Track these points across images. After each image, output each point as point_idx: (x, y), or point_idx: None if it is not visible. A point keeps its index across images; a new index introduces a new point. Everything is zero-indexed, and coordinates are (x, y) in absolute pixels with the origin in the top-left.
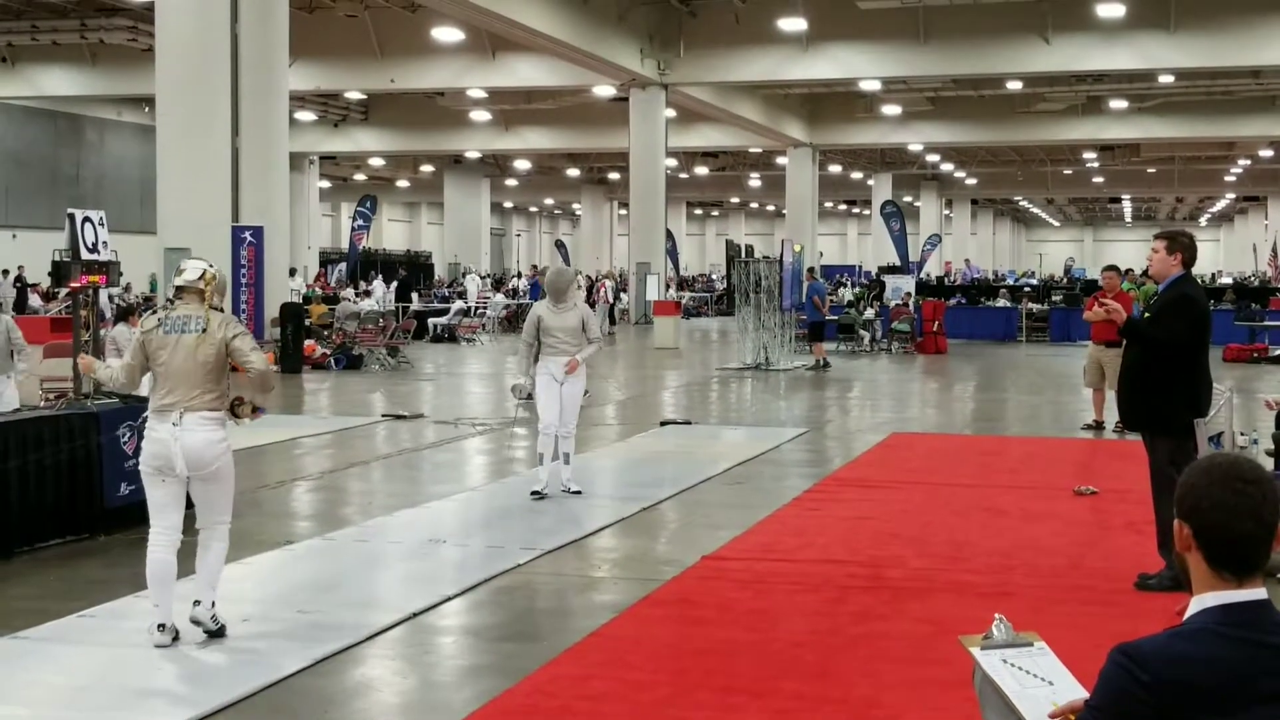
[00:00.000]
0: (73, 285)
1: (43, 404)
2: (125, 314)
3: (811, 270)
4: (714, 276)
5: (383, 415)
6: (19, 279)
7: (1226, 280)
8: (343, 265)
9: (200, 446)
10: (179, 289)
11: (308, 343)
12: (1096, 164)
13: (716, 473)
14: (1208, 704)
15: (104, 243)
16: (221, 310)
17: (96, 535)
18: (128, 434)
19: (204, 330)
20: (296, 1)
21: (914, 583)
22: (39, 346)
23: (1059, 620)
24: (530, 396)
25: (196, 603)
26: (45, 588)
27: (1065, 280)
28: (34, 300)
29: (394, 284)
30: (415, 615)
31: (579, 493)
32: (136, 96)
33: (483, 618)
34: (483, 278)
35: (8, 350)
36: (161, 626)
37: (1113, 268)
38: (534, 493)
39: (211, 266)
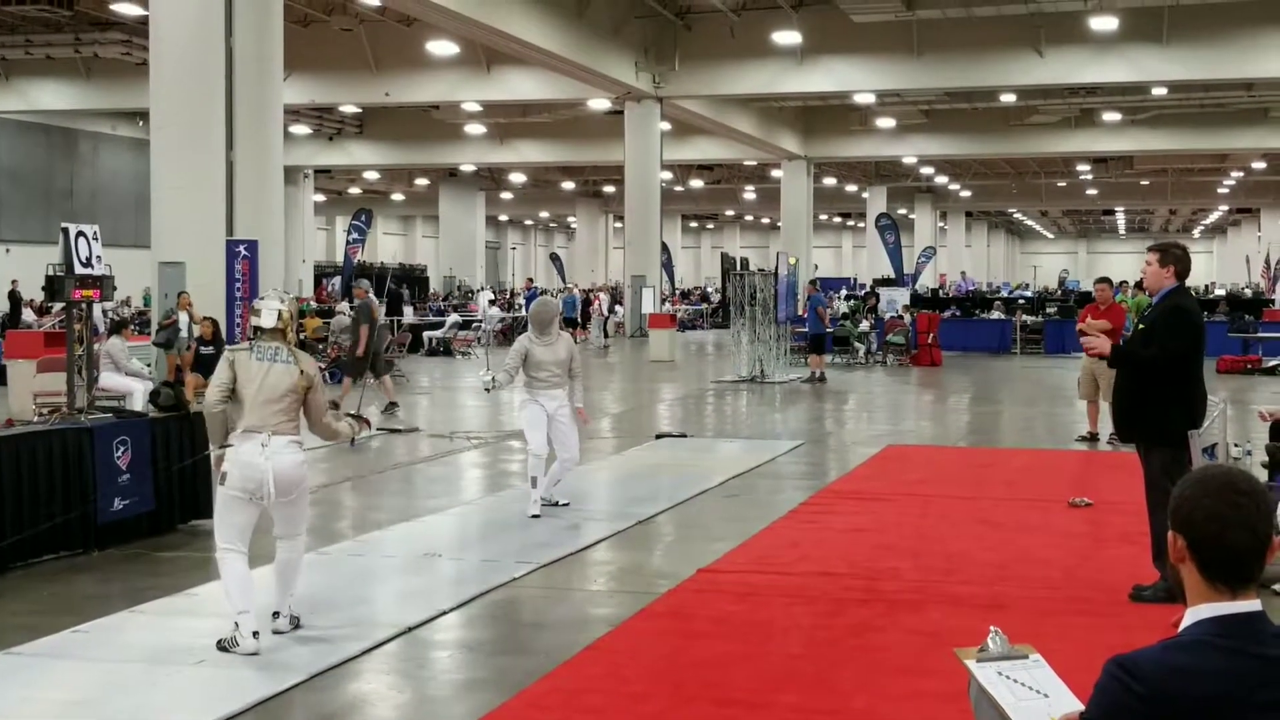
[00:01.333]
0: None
1: (36, 418)
2: (119, 327)
3: (814, 282)
4: (709, 289)
5: (377, 429)
6: (12, 293)
7: (1220, 292)
8: (338, 279)
9: (289, 469)
10: (258, 329)
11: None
12: (1090, 176)
13: (712, 486)
14: (1203, 716)
15: (98, 257)
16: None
17: (90, 551)
18: (121, 449)
19: (293, 363)
20: (291, 15)
21: (909, 595)
22: (32, 361)
23: (1053, 632)
24: (499, 387)
25: (276, 615)
26: (39, 603)
27: (1059, 292)
28: (27, 315)
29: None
30: (411, 629)
31: (566, 504)
32: (130, 110)
33: (478, 631)
34: (496, 293)
35: None
36: (256, 634)
37: (1105, 280)
38: (533, 515)
39: (283, 303)
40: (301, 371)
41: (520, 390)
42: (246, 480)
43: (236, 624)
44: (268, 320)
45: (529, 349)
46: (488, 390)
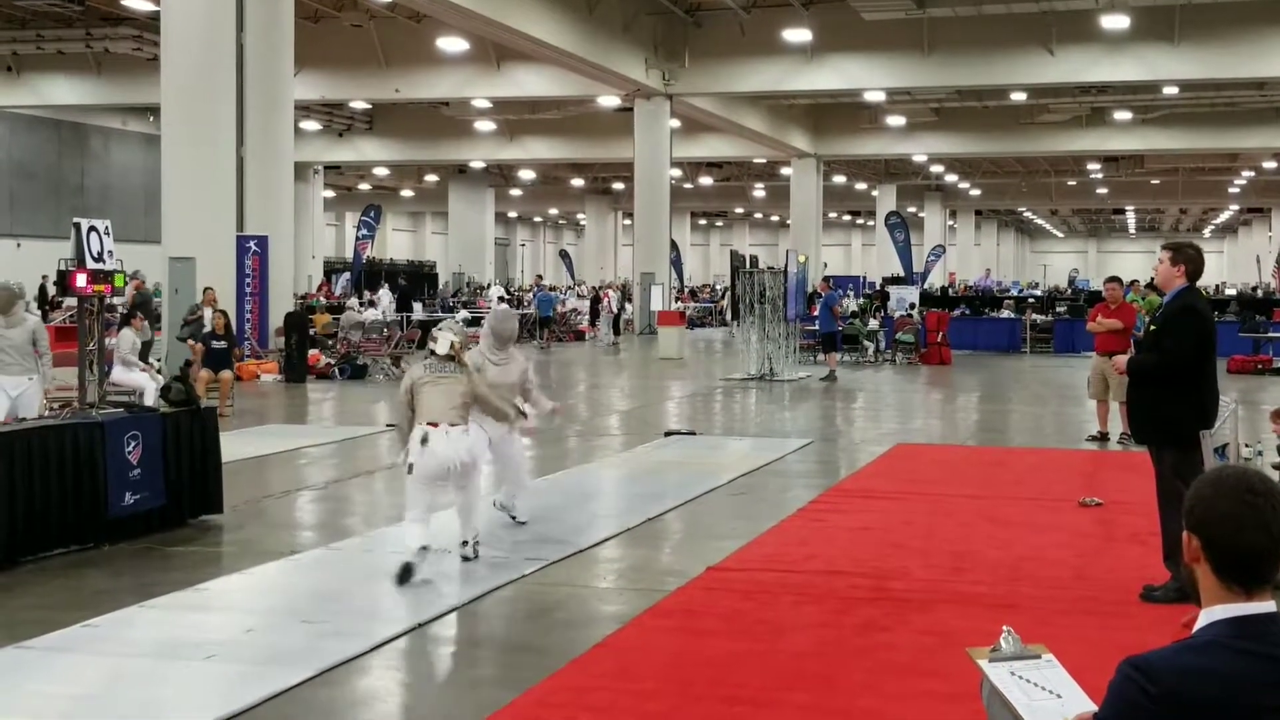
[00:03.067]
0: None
1: (47, 413)
2: (127, 319)
3: (827, 280)
4: (718, 287)
5: (387, 425)
6: (43, 288)
7: (1231, 292)
8: (347, 275)
9: (465, 452)
10: (437, 355)
11: (312, 352)
12: (1100, 175)
13: (721, 483)
14: (1217, 717)
15: (109, 252)
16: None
17: (101, 545)
18: (132, 444)
19: (458, 381)
20: (302, 11)
21: (918, 594)
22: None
23: (1064, 632)
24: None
25: (464, 543)
26: (49, 597)
27: (1069, 291)
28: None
29: (395, 294)
30: (420, 626)
31: (524, 523)
32: (141, 106)
33: (487, 628)
34: (509, 290)
35: (31, 351)
36: (424, 549)
37: (1115, 279)
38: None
39: (455, 335)
40: (464, 389)
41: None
42: (431, 467)
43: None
44: (442, 347)
45: (480, 366)
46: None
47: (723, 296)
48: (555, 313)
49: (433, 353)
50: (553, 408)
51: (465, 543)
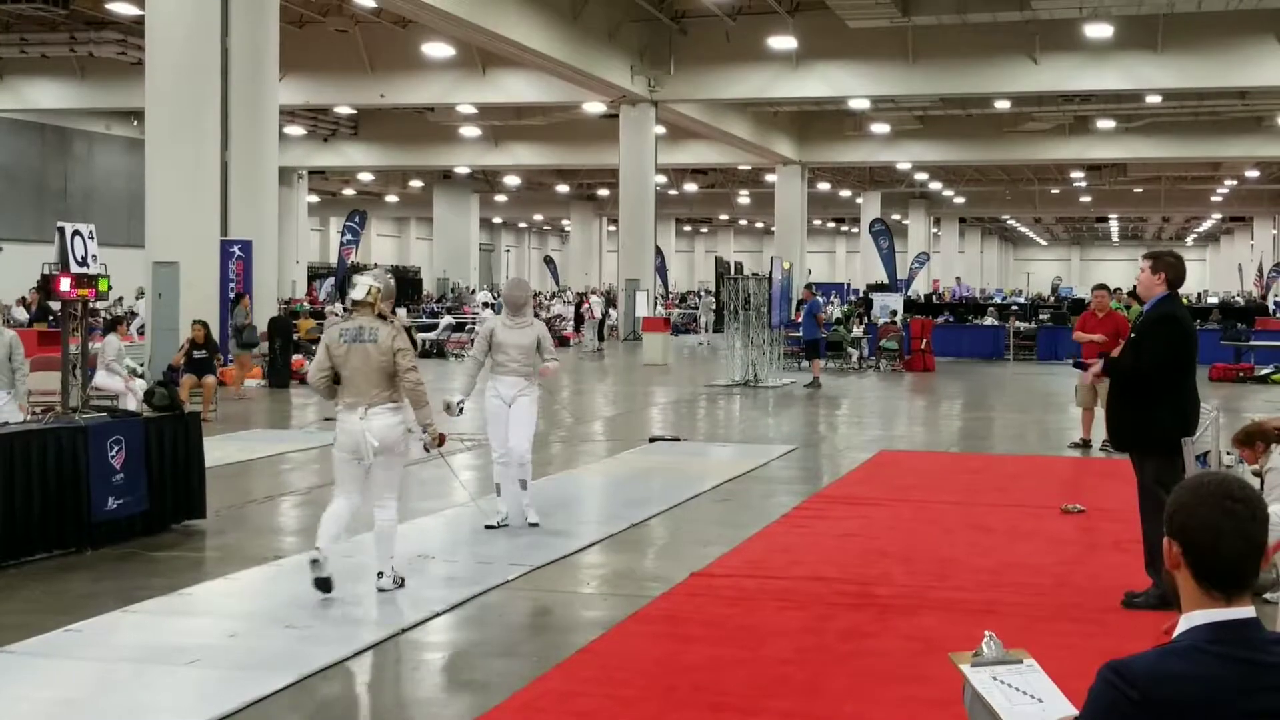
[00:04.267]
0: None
1: (29, 418)
2: (113, 325)
3: (810, 287)
4: (703, 293)
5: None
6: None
7: (1213, 300)
8: (331, 280)
9: (385, 431)
10: (355, 302)
11: (296, 357)
12: (1084, 183)
13: (705, 489)
14: None
15: (93, 256)
16: (389, 317)
17: (83, 550)
18: (115, 448)
19: (376, 340)
20: (287, 16)
21: (902, 600)
22: (26, 360)
23: (1046, 638)
24: (462, 412)
25: (380, 575)
26: (32, 602)
27: (1052, 299)
28: (19, 313)
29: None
30: (403, 631)
31: (536, 525)
32: (125, 110)
33: (470, 634)
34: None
35: (9, 365)
36: (316, 561)
37: (1103, 286)
38: (488, 525)
39: (377, 281)
40: (378, 343)
41: (487, 377)
42: (348, 445)
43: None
44: (360, 292)
45: (495, 330)
46: (451, 414)
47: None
48: None
49: (353, 303)
50: (544, 369)
51: (381, 574)
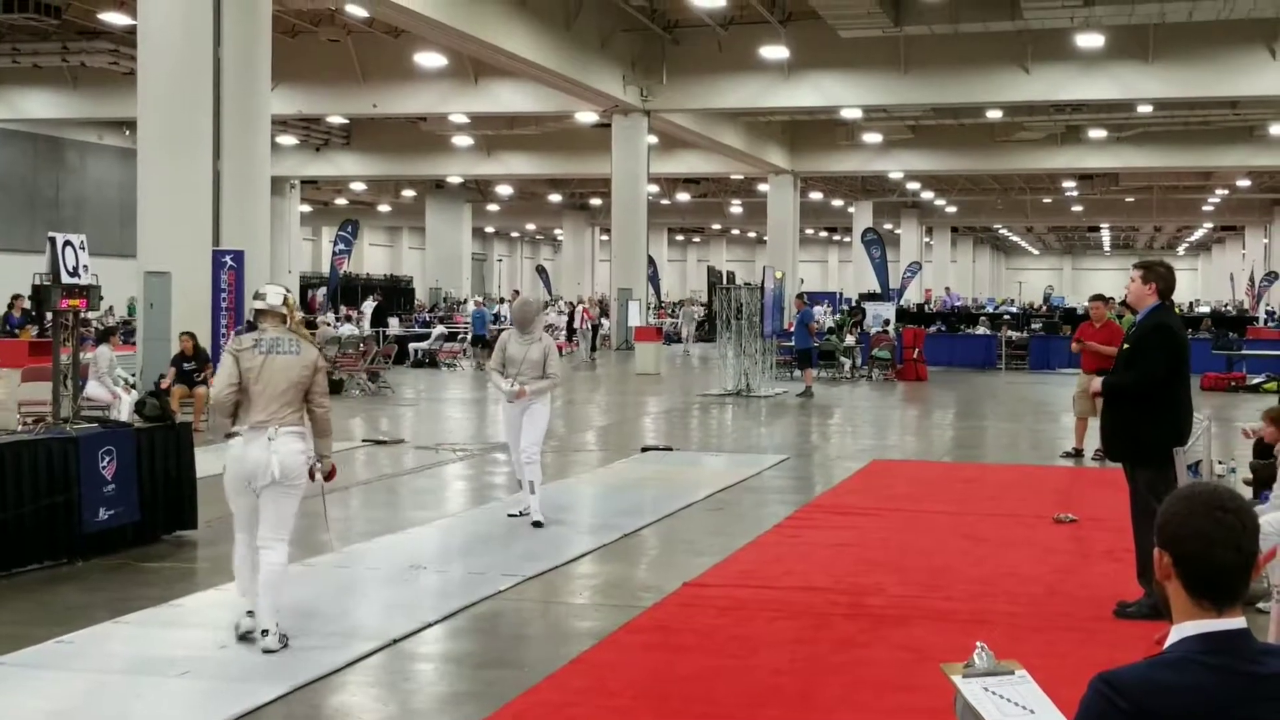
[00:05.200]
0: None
1: (21, 428)
2: (105, 336)
3: (801, 297)
4: (683, 302)
5: (363, 440)
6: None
7: (1204, 309)
8: (323, 290)
9: (290, 456)
10: (260, 312)
11: None
12: (1075, 193)
13: (697, 499)
14: None
15: (84, 266)
16: (307, 337)
17: (75, 561)
18: (106, 459)
19: (298, 353)
20: (279, 26)
21: (894, 610)
22: (16, 370)
23: (1038, 648)
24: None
25: (265, 633)
26: (23, 613)
27: (1044, 308)
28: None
29: (370, 308)
30: (395, 642)
31: (539, 524)
32: (117, 120)
33: (463, 644)
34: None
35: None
36: (251, 613)
37: (1099, 297)
38: (510, 514)
39: (289, 291)
40: (300, 355)
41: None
42: (244, 472)
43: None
44: (274, 298)
45: (507, 345)
46: (510, 400)
47: (674, 313)
48: (489, 331)
49: (258, 314)
50: (522, 390)
51: (266, 632)
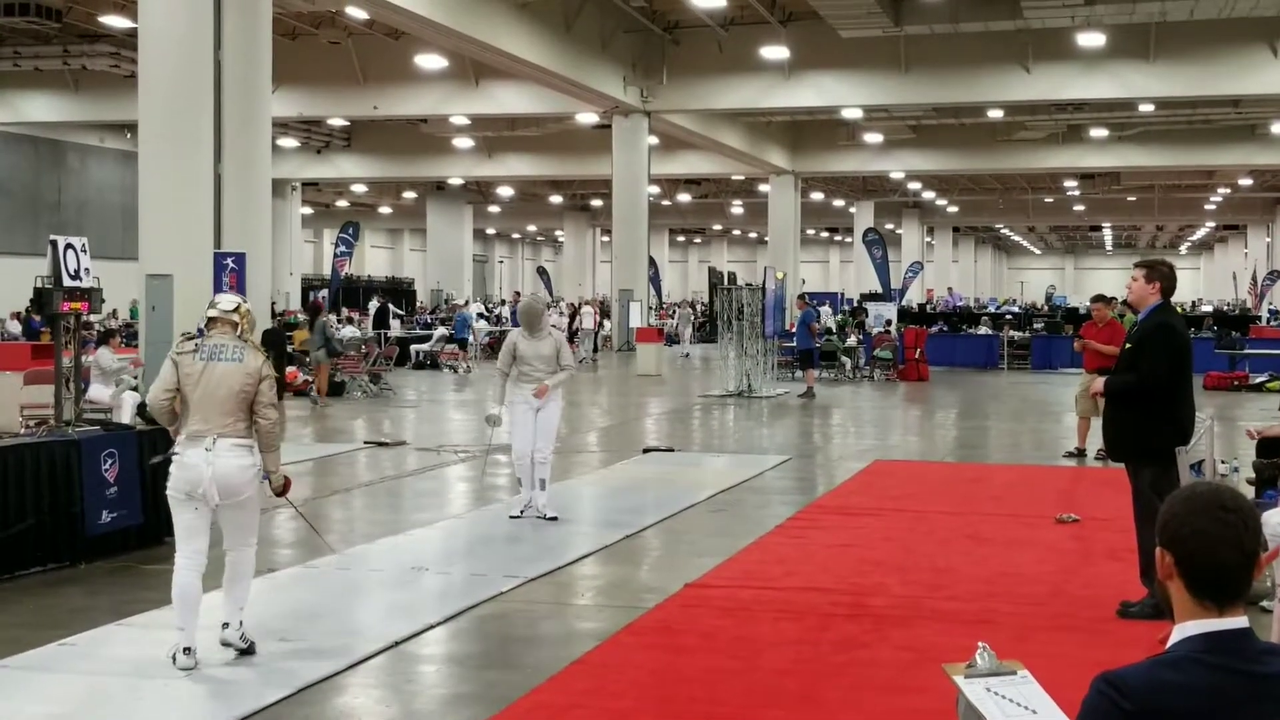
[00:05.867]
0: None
1: (23, 431)
2: (106, 338)
3: (803, 297)
4: (682, 303)
5: (365, 442)
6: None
7: (1207, 308)
8: (324, 292)
9: (233, 473)
10: (211, 319)
11: (290, 369)
12: (1077, 192)
13: (699, 500)
14: None
15: (86, 269)
16: (255, 345)
17: (77, 563)
18: (109, 461)
19: (241, 360)
20: (280, 28)
21: (897, 610)
22: (19, 373)
23: (1041, 648)
24: (500, 424)
25: (225, 625)
26: (25, 616)
27: (1046, 308)
28: (14, 326)
29: (372, 310)
30: (397, 643)
31: (555, 518)
32: (119, 123)
33: (465, 646)
34: (488, 308)
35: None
36: (187, 650)
37: (1100, 298)
38: (512, 515)
39: (246, 303)
40: (244, 363)
41: (511, 386)
42: (186, 482)
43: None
44: (226, 305)
45: (516, 343)
46: (492, 427)
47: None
48: (472, 333)
49: (210, 321)
50: (541, 386)
51: (226, 625)
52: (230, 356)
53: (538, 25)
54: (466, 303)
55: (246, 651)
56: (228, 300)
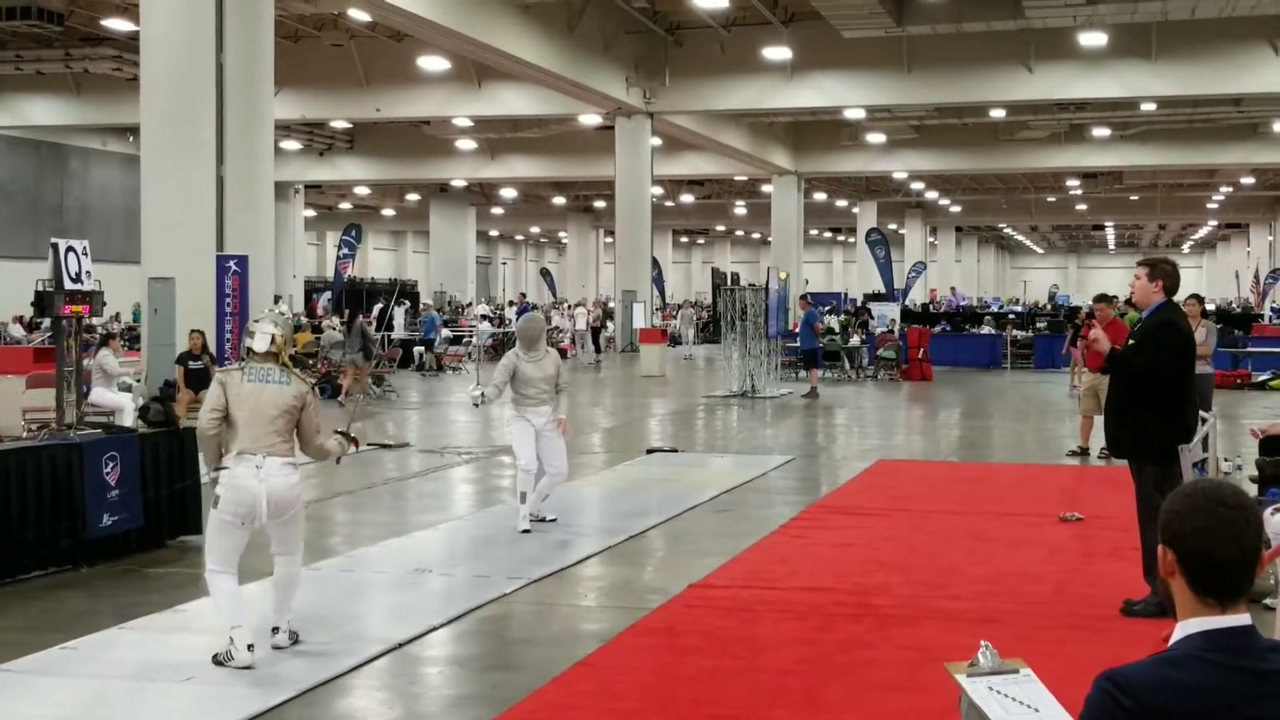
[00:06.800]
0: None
1: (25, 434)
2: (106, 340)
3: (805, 297)
4: (684, 304)
5: (368, 444)
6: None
7: (1209, 307)
8: (328, 294)
9: (283, 491)
10: (254, 352)
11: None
12: (1079, 191)
13: (703, 500)
14: None
15: (87, 272)
16: (299, 374)
17: (79, 567)
18: (110, 465)
19: (288, 384)
20: (282, 30)
21: (900, 610)
22: (21, 377)
23: (1044, 647)
24: (487, 401)
25: (275, 630)
26: (28, 619)
27: (1049, 307)
28: (16, 330)
29: (374, 311)
30: (401, 645)
31: (554, 520)
32: (121, 126)
33: (469, 647)
34: (494, 310)
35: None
36: (250, 647)
37: (1103, 298)
38: (524, 530)
39: (277, 326)
40: (290, 386)
41: (508, 406)
42: (239, 504)
43: (231, 638)
44: (260, 343)
45: (517, 365)
46: (476, 405)
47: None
48: (438, 335)
49: (250, 351)
50: (561, 422)
51: (277, 629)
52: (278, 380)
53: (540, 27)
54: (431, 304)
55: (295, 642)
56: (260, 338)
